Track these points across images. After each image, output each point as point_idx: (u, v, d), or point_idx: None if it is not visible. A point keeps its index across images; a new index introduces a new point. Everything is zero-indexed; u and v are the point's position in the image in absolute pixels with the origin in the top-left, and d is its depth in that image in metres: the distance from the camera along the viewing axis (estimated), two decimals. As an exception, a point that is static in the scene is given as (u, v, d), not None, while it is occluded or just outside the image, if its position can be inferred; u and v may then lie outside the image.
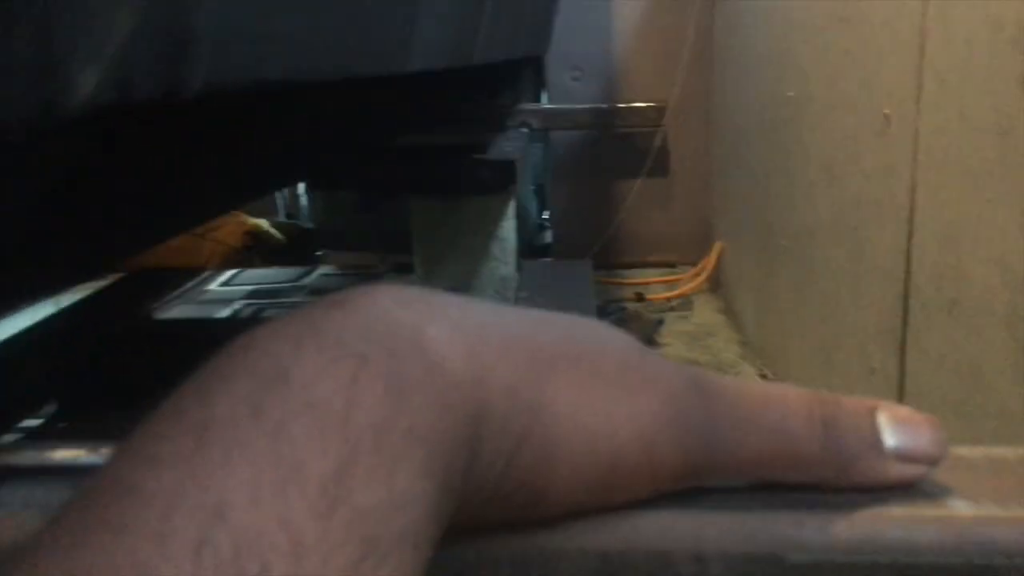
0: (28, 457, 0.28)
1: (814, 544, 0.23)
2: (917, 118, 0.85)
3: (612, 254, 2.34)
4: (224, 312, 1.94)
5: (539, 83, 2.36)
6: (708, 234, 2.27)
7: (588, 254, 2.20)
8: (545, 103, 2.34)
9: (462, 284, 1.42)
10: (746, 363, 1.71)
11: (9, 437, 0.94)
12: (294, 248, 2.43)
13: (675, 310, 2.04)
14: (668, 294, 2.13)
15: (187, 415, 0.16)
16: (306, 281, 2.22)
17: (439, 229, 1.46)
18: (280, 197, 2.68)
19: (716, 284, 2.16)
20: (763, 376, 1.61)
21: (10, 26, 0.21)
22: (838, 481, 0.23)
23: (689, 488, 0.23)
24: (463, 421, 0.19)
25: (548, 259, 2.32)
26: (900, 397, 0.91)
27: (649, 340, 1.78)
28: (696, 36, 2.20)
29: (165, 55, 0.25)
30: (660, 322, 1.91)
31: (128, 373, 1.09)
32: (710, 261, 2.15)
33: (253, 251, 2.37)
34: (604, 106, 2.26)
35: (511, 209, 1.47)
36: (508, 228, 1.46)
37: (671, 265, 2.34)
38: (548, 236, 2.48)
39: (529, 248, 2.32)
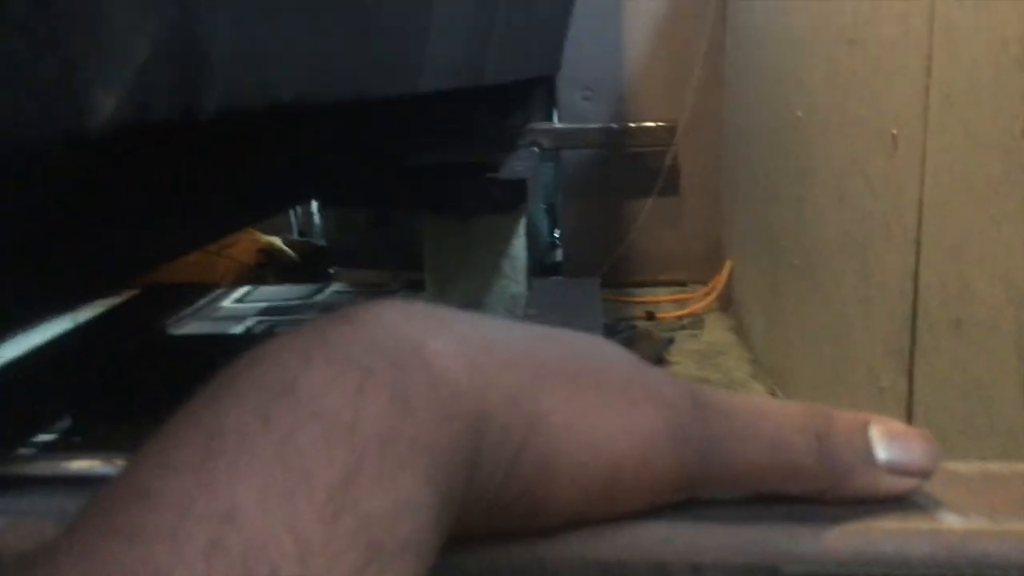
0: (45, 467, 0.29)
1: (809, 556, 0.23)
2: (924, 137, 0.86)
3: (623, 272, 2.35)
4: (237, 328, 1.95)
5: (550, 103, 2.38)
6: (719, 253, 2.27)
7: (598, 272, 2.20)
8: (556, 123, 2.35)
9: (473, 301, 1.43)
10: (756, 382, 1.71)
11: (24, 451, 0.95)
12: (307, 265, 2.44)
13: (685, 328, 2.04)
14: (678, 312, 2.13)
15: (198, 425, 0.17)
16: (319, 298, 2.23)
17: (451, 247, 1.47)
18: (293, 215, 2.70)
19: (727, 303, 2.16)
20: (773, 394, 1.61)
21: (36, 51, 0.21)
22: (832, 493, 0.24)
23: (687, 500, 0.24)
24: (465, 431, 0.19)
25: (557, 277, 2.33)
26: (908, 416, 0.91)
27: (659, 358, 1.78)
28: (706, 56, 2.21)
29: (181, 78, 0.26)
30: (670, 340, 1.91)
31: (142, 388, 1.10)
32: (721, 280, 2.14)
33: (266, 268, 2.38)
34: (615, 126, 2.27)
35: (522, 227, 1.48)
36: (519, 246, 1.47)
37: (682, 284, 2.34)
38: (559, 254, 2.48)
39: (540, 266, 2.32)
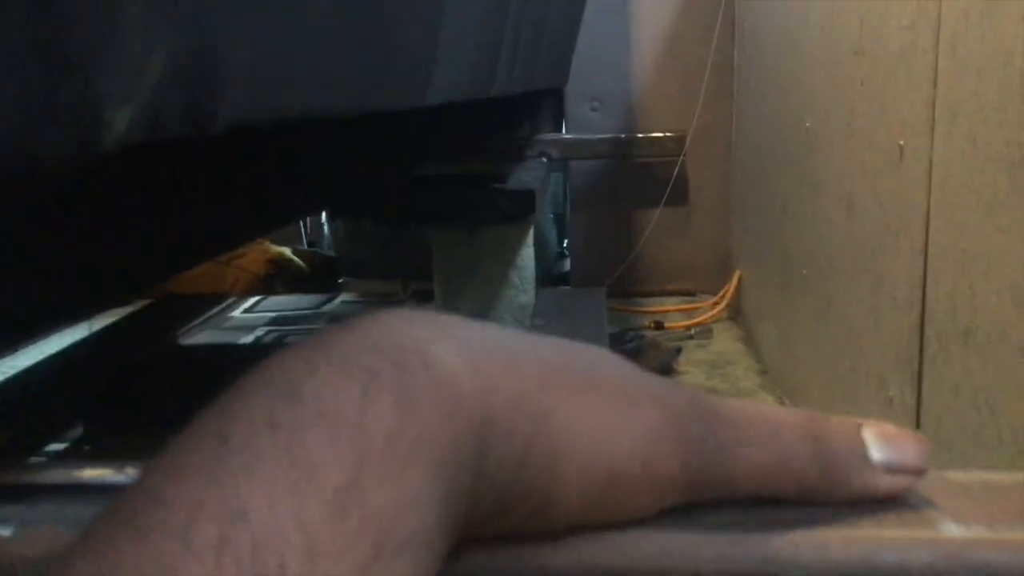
0: (56, 476, 0.29)
1: (810, 565, 0.23)
2: (931, 148, 0.86)
3: (631, 282, 2.35)
4: (247, 338, 1.96)
5: (559, 113, 2.38)
6: (727, 263, 2.27)
7: (607, 283, 2.21)
8: (564, 133, 2.36)
9: (481, 311, 1.43)
10: (765, 392, 1.71)
11: (36, 460, 0.96)
12: (316, 276, 2.45)
13: (694, 338, 2.04)
14: (687, 322, 2.13)
15: (209, 431, 0.18)
16: (328, 308, 2.24)
17: (459, 257, 1.47)
18: (303, 226, 2.71)
19: (736, 312, 2.16)
20: (781, 403, 1.61)
21: (51, 69, 0.22)
22: (830, 495, 0.24)
23: (689, 507, 0.24)
24: (469, 430, 0.19)
25: (564, 287, 2.33)
26: (917, 426, 0.91)
27: (667, 368, 1.78)
28: (715, 67, 2.22)
29: (193, 96, 0.27)
30: (678, 350, 1.91)
31: (153, 397, 1.11)
32: (729, 290, 2.14)
33: (276, 279, 2.39)
34: (623, 136, 2.28)
35: (530, 238, 1.48)
36: (527, 256, 1.47)
37: (690, 294, 2.34)
38: (567, 265, 2.48)
39: (548, 276, 2.33)
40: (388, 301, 2.25)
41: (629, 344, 1.89)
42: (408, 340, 0.20)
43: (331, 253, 2.54)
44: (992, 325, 0.73)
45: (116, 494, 0.17)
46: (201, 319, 1.94)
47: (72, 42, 0.22)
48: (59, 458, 1.06)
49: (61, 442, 1.11)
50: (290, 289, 2.37)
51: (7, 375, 1.17)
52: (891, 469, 0.24)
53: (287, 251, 2.45)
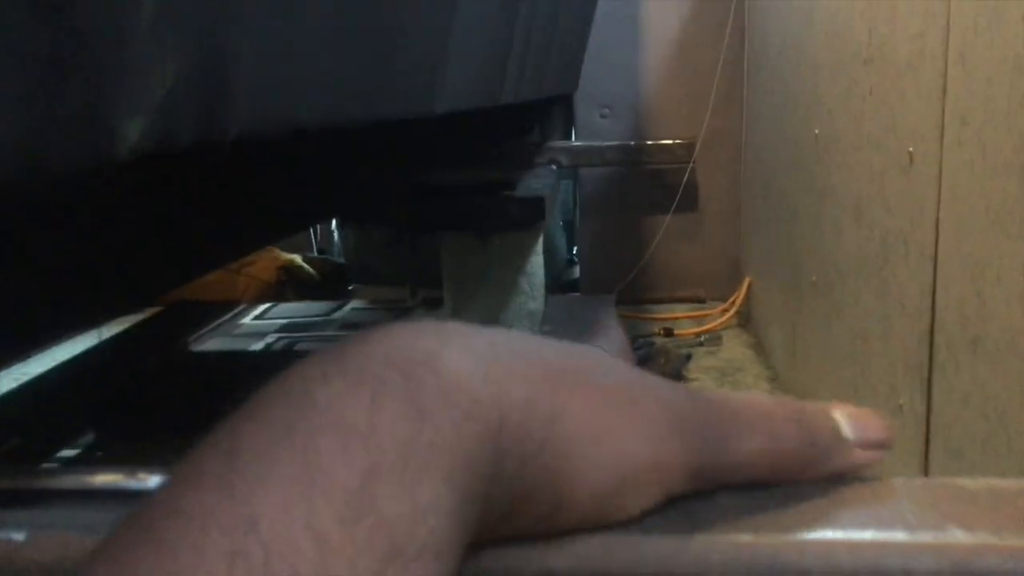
0: (70, 481, 0.30)
1: (816, 571, 0.24)
2: (940, 156, 0.86)
3: (641, 289, 2.35)
4: (258, 345, 1.96)
5: (568, 120, 2.39)
6: (737, 269, 2.27)
7: (616, 289, 2.21)
8: (574, 140, 2.36)
9: (491, 318, 1.44)
10: (775, 399, 1.70)
11: (48, 466, 0.96)
12: (326, 283, 2.45)
13: (703, 345, 2.04)
14: (696, 329, 2.12)
15: (223, 442, 0.18)
16: (338, 315, 2.24)
17: (469, 264, 1.48)
18: (313, 233, 2.72)
19: (745, 319, 2.15)
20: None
21: (64, 81, 0.22)
22: (814, 473, 0.26)
23: (693, 510, 0.24)
24: (484, 434, 0.20)
25: (573, 294, 2.33)
26: (927, 433, 0.91)
27: (677, 375, 1.77)
28: (724, 74, 2.22)
29: (203, 106, 0.27)
30: (688, 357, 1.91)
31: (164, 404, 1.12)
32: (739, 296, 2.14)
33: (286, 286, 2.40)
34: (632, 143, 2.28)
35: (540, 245, 1.48)
36: (536, 263, 1.48)
37: (700, 300, 2.34)
38: (576, 272, 2.48)
39: (557, 283, 2.33)
40: (397, 308, 2.25)
41: (639, 351, 1.89)
42: (418, 351, 0.20)
43: (341, 260, 2.55)
44: (1001, 333, 0.73)
45: (128, 499, 0.17)
46: (212, 326, 1.95)
47: (83, 52, 0.22)
48: (71, 464, 1.06)
49: (73, 448, 1.12)
50: (300, 296, 2.38)
51: (19, 382, 1.18)
52: (863, 445, 0.27)
53: (297, 258, 2.46)
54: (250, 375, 0.20)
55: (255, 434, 0.18)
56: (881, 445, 0.27)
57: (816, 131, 1.39)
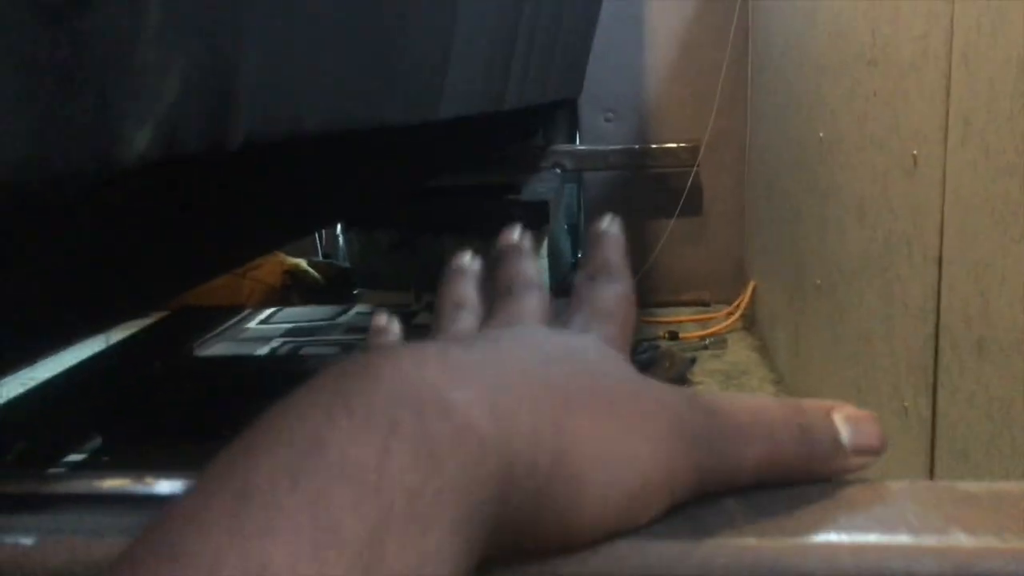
0: (78, 486, 0.30)
1: (819, 574, 0.24)
2: (944, 158, 0.86)
3: (645, 292, 2.34)
4: (263, 349, 1.97)
5: (572, 124, 2.39)
6: (742, 272, 2.27)
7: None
8: (578, 144, 2.36)
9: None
10: (780, 402, 1.70)
11: (55, 471, 0.97)
12: (331, 287, 2.46)
13: (708, 348, 2.04)
14: (701, 332, 2.12)
15: (231, 482, 0.17)
16: (343, 319, 2.24)
17: (473, 268, 1.47)
18: (318, 237, 2.72)
19: (750, 322, 2.15)
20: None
21: (71, 90, 0.23)
22: (811, 475, 0.27)
23: (698, 514, 0.25)
24: (493, 475, 0.20)
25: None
26: (932, 436, 0.90)
27: (682, 379, 1.77)
28: (728, 77, 2.22)
29: (210, 113, 0.27)
30: (693, 360, 1.90)
31: (170, 409, 1.12)
32: (744, 299, 2.14)
33: (291, 290, 2.40)
34: (636, 147, 2.28)
35: (544, 248, 1.49)
36: (541, 267, 1.47)
37: (704, 303, 2.34)
38: (580, 275, 2.48)
39: (562, 287, 2.32)
40: (403, 312, 2.25)
41: (643, 355, 1.89)
42: (424, 386, 0.20)
43: (346, 264, 2.55)
44: (1006, 334, 0.73)
45: (135, 504, 0.17)
46: (217, 331, 1.95)
47: (90, 60, 0.22)
48: (78, 468, 1.07)
49: (79, 453, 1.12)
50: (305, 300, 2.38)
51: (26, 387, 1.18)
52: (859, 451, 0.27)
53: (302, 263, 2.46)
54: (254, 380, 0.20)
55: (264, 476, 0.17)
56: (876, 452, 0.27)
57: (820, 133, 1.39)
